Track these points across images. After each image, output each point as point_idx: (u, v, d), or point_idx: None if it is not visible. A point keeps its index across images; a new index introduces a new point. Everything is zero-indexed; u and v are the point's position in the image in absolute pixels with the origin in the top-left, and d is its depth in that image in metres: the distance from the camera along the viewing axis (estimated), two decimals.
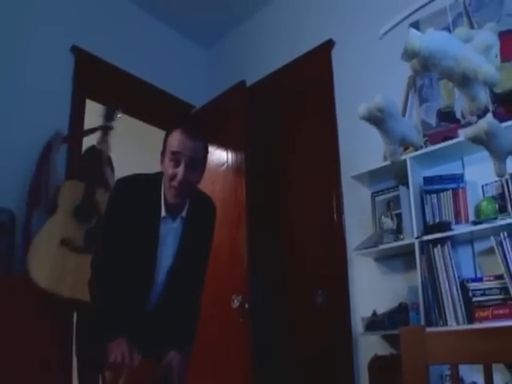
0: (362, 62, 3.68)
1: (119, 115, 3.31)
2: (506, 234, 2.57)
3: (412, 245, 2.84)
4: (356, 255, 3.28)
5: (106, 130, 3.26)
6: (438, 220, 2.89)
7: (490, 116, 1.31)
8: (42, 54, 3.69)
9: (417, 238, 2.83)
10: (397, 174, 3.10)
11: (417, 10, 1.46)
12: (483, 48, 0.96)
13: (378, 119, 1.19)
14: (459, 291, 2.66)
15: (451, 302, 2.66)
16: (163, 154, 2.21)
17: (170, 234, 2.23)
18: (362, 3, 3.81)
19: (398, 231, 3.05)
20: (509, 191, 2.69)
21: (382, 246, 3.05)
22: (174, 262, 2.26)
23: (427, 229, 2.88)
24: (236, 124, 3.89)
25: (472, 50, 0.97)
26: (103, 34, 4.16)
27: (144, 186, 2.24)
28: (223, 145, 3.98)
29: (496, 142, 1.30)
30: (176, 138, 2.14)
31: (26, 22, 3.65)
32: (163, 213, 2.18)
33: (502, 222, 2.60)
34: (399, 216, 3.05)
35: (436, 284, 2.72)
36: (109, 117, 3.27)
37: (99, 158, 3.25)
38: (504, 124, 2.58)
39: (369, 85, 3.48)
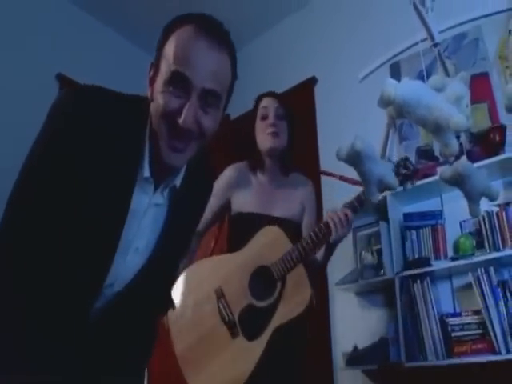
0: (344, 99, 3.76)
1: None
2: (483, 269, 2.62)
3: (392, 280, 2.89)
4: (337, 290, 3.31)
5: None
6: (417, 256, 2.95)
7: (464, 159, 1.36)
8: (26, 81, 3.73)
9: (397, 273, 2.88)
10: (377, 209, 3.15)
11: (396, 55, 1.52)
12: (454, 98, 1.01)
13: (355, 161, 1.23)
14: (438, 326, 2.70)
15: (431, 337, 2.70)
16: (156, 68, 1.25)
17: (148, 211, 1.30)
18: (344, 42, 3.91)
19: (378, 266, 3.08)
20: (486, 228, 2.76)
21: (362, 281, 3.08)
22: (150, 258, 1.34)
23: (407, 264, 2.92)
24: (220, 159, 3.93)
25: (444, 99, 1.02)
26: (86, 63, 4.20)
27: (116, 112, 1.25)
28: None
29: (470, 184, 1.34)
30: (185, 44, 1.20)
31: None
32: (146, 172, 1.25)
33: (480, 258, 2.66)
34: (380, 251, 3.09)
35: (416, 319, 2.76)
36: None
37: None
38: (480, 163, 2.67)
39: (351, 122, 3.56)
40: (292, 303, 2.10)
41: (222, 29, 1.26)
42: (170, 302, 1.98)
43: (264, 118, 2.36)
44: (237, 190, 2.38)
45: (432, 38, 1.36)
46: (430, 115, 1.01)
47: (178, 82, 1.18)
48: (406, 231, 3.04)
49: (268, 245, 2.18)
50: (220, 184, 2.34)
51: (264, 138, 2.34)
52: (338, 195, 3.14)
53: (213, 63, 1.20)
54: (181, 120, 1.17)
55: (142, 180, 1.25)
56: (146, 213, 1.30)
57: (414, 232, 3.02)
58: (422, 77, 1.25)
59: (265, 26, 4.53)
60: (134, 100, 1.30)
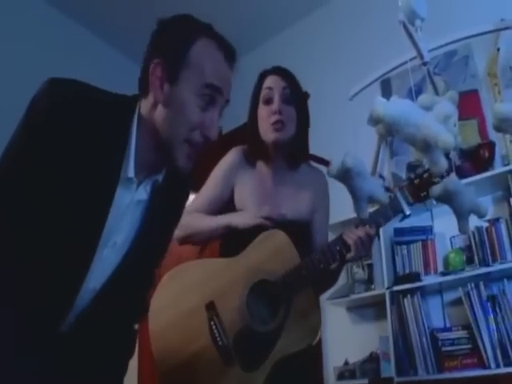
0: (335, 115, 3.78)
1: None
2: (473, 284, 2.65)
3: (383, 295, 2.90)
4: (328, 304, 3.31)
5: None
6: (408, 271, 2.96)
7: (453, 176, 1.39)
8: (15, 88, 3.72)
9: (387, 288, 2.89)
10: None
11: (386, 73, 1.54)
12: (443, 117, 1.03)
13: (346, 178, 1.25)
14: (429, 341, 2.71)
15: (421, 351, 2.71)
16: (173, 73, 1.25)
17: (129, 209, 1.28)
18: (335, 58, 3.95)
19: (369, 281, 3.10)
20: (476, 243, 2.78)
21: (353, 296, 3.09)
22: (127, 254, 1.30)
23: (397, 279, 2.94)
24: (208, 171, 3.94)
25: (433, 118, 1.04)
26: (74, 72, 4.20)
27: (100, 108, 1.23)
28: (197, 192, 4.01)
29: (458, 201, 1.36)
30: (215, 58, 1.29)
31: None
32: (130, 172, 1.23)
33: (469, 273, 2.68)
34: (371, 266, 3.10)
35: (406, 334, 2.77)
36: None
37: None
38: (470, 179, 2.70)
39: (342, 138, 3.58)
40: (298, 332, 1.73)
41: (233, 49, 1.34)
42: (146, 307, 1.64)
43: (268, 102, 1.95)
44: (240, 177, 2.01)
45: (421, 56, 1.38)
46: (419, 133, 1.03)
47: (208, 94, 1.23)
48: (396, 246, 3.06)
49: (271, 254, 1.80)
50: (222, 167, 2.04)
51: (267, 128, 1.94)
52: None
53: (231, 79, 1.32)
54: (210, 134, 1.25)
55: (125, 179, 1.23)
56: (128, 208, 1.27)
57: (404, 247, 3.04)
58: (414, 93, 1.27)
59: (257, 42, 4.55)
60: (118, 100, 1.29)
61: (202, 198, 2.03)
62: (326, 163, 1.81)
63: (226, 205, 2.00)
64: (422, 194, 1.72)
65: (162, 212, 1.38)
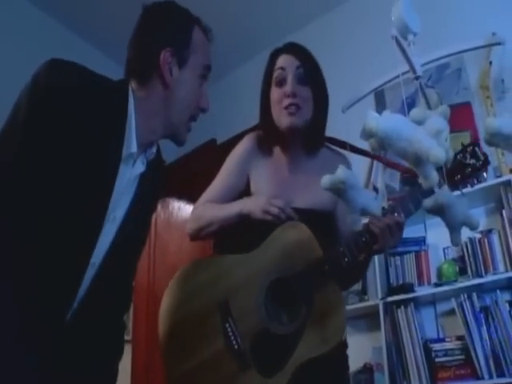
0: (329, 126, 3.79)
1: None
2: (466, 295, 2.66)
3: (376, 306, 2.91)
4: None
5: None
6: (401, 282, 2.98)
7: (445, 188, 1.40)
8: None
9: (381, 299, 2.90)
10: None
11: (378, 87, 1.56)
12: (434, 132, 1.05)
13: (339, 190, 1.26)
14: (422, 352, 2.72)
15: (415, 362, 2.71)
16: (181, 57, 1.38)
17: (128, 186, 1.33)
18: (329, 71, 3.97)
19: (362, 292, 3.11)
20: (468, 254, 2.80)
21: (347, 307, 3.09)
22: (121, 226, 1.32)
23: (391, 290, 2.95)
24: (206, 182, 3.95)
25: (424, 133, 1.06)
26: None
27: (102, 90, 1.30)
28: (192, 202, 4.02)
29: (450, 214, 1.37)
30: (205, 46, 1.46)
31: None
32: (134, 147, 1.28)
33: (463, 284, 2.70)
34: (364, 277, 3.11)
35: (400, 345, 2.78)
36: None
37: None
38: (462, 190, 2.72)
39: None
40: (321, 334, 1.56)
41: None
42: (131, 296, 1.54)
43: (280, 83, 1.80)
44: (256, 166, 1.87)
45: (414, 71, 1.40)
46: (411, 148, 1.04)
47: (207, 73, 1.43)
48: (390, 257, 3.07)
49: (290, 248, 1.63)
50: (240, 151, 1.91)
51: (280, 113, 1.78)
52: None
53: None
54: (206, 104, 1.44)
55: (127, 154, 1.28)
56: (128, 184, 1.32)
57: (398, 258, 3.06)
58: (407, 104, 1.28)
59: (250, 54, 4.57)
60: (113, 81, 1.35)
61: (215, 188, 1.89)
62: (345, 146, 1.80)
63: (243, 195, 1.86)
64: (456, 178, 1.59)
65: (151, 187, 1.44)
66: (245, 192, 1.86)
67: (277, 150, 1.89)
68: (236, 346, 1.56)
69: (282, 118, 1.77)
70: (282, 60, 1.84)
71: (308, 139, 1.82)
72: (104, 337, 1.33)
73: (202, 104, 1.43)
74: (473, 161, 1.55)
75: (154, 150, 1.42)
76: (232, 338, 1.57)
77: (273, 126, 1.82)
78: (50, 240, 1.16)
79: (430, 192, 1.39)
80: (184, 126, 1.41)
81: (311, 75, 1.82)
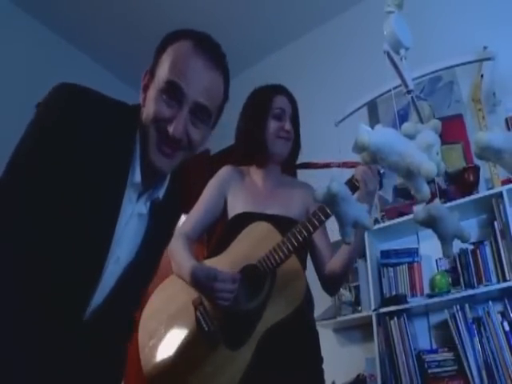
0: (321, 139, 3.80)
1: None
2: (458, 306, 2.67)
3: (369, 317, 2.91)
4: None
5: None
6: (394, 293, 2.99)
7: (437, 201, 1.41)
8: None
9: (374, 310, 2.91)
10: None
11: (370, 101, 1.58)
12: (425, 146, 1.06)
13: (332, 203, 1.27)
14: (415, 363, 2.73)
15: (408, 373, 2.72)
16: (151, 76, 1.31)
17: (130, 221, 1.28)
18: (321, 84, 4.00)
19: (356, 303, 3.12)
20: (461, 265, 2.82)
21: (340, 318, 3.10)
22: (128, 269, 1.29)
23: (384, 301, 2.96)
24: (199, 193, 3.96)
25: (416, 147, 1.07)
26: None
27: (109, 114, 1.26)
28: (185, 211, 4.02)
29: (442, 226, 1.38)
30: (183, 57, 1.28)
31: None
32: (137, 177, 1.25)
33: (455, 296, 2.71)
34: (357, 288, 3.12)
35: (393, 356, 2.78)
36: None
37: None
38: (455, 202, 2.75)
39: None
40: (282, 300, 1.76)
41: (219, 50, 1.33)
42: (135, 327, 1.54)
43: (279, 119, 2.06)
44: (232, 189, 2.06)
45: (406, 85, 1.41)
46: (402, 162, 1.06)
47: (172, 92, 1.22)
48: (382, 268, 3.09)
49: (256, 242, 1.84)
50: (215, 182, 2.09)
51: (275, 140, 2.03)
52: None
53: (207, 80, 1.26)
54: (171, 129, 1.21)
55: (131, 185, 1.24)
56: (128, 222, 1.26)
57: (390, 269, 3.07)
58: (400, 116, 1.32)
59: (244, 66, 4.59)
60: (125, 106, 1.31)
61: (193, 219, 2.04)
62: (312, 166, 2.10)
63: (219, 214, 2.05)
64: None
65: (161, 230, 1.40)
66: (222, 216, 2.06)
67: (252, 168, 2.13)
68: (206, 328, 1.75)
69: (278, 146, 2.05)
70: (280, 101, 2.09)
71: (287, 163, 2.14)
72: (103, 371, 1.31)
73: (167, 125, 1.23)
74: None
75: (161, 194, 1.35)
76: (202, 322, 1.76)
77: (264, 146, 2.04)
78: (50, 276, 1.12)
79: None
80: (153, 146, 1.24)
81: (295, 118, 2.13)
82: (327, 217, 1.74)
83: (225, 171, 2.11)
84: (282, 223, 1.88)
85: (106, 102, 1.26)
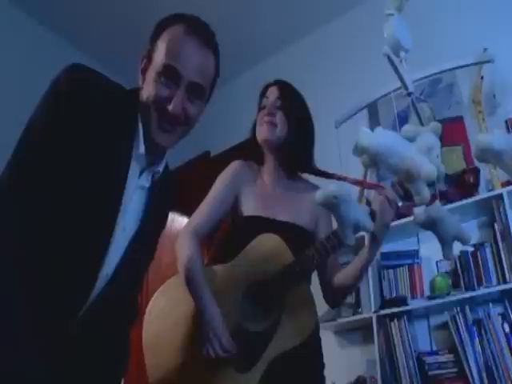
0: (322, 141, 3.80)
1: None
2: (458, 308, 2.67)
3: (370, 319, 2.91)
4: None
5: None
6: (394, 294, 2.98)
7: (437, 203, 1.42)
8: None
9: (374, 312, 2.90)
10: (355, 248, 3.19)
11: (371, 103, 1.58)
12: (425, 149, 1.07)
13: (332, 205, 1.27)
14: (416, 365, 2.72)
15: (408, 375, 2.72)
16: (148, 60, 1.40)
17: (135, 192, 1.36)
18: (321, 87, 4.00)
19: (356, 305, 3.12)
20: (461, 267, 2.82)
21: (340, 320, 3.10)
22: (134, 240, 1.35)
23: (384, 303, 2.96)
24: (199, 194, 3.96)
25: (416, 149, 1.08)
26: None
27: (114, 94, 1.36)
28: (186, 214, 4.03)
29: (442, 228, 1.39)
30: (176, 41, 1.37)
31: None
32: (141, 148, 1.34)
33: (455, 297, 2.71)
34: (358, 290, 3.12)
35: (393, 358, 2.78)
36: None
37: None
38: (455, 204, 2.75)
39: (329, 164, 3.61)
40: (291, 330, 1.70)
41: (209, 30, 1.43)
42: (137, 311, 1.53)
43: (262, 108, 2.05)
44: (244, 186, 2.00)
45: (406, 87, 1.42)
46: (402, 164, 1.06)
47: (169, 74, 1.32)
48: (383, 270, 3.08)
49: (265, 257, 1.78)
50: (227, 175, 2.02)
51: (259, 128, 2.01)
52: None
53: (200, 60, 1.37)
54: (170, 107, 1.31)
55: (136, 158, 1.33)
56: (132, 195, 1.34)
57: (391, 271, 3.07)
58: (400, 118, 1.32)
59: (245, 67, 4.60)
60: (125, 89, 1.40)
61: (203, 213, 1.96)
62: (328, 176, 1.97)
63: (228, 212, 2.00)
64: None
65: (159, 205, 1.47)
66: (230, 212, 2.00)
67: (262, 168, 2.08)
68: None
69: (261, 132, 2.00)
70: (269, 92, 2.08)
71: (285, 157, 2.02)
72: (110, 347, 1.36)
73: (167, 105, 1.33)
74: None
75: (161, 168, 1.43)
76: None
77: (256, 144, 2.04)
78: (62, 244, 1.18)
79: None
80: (154, 123, 1.34)
81: (286, 104, 2.02)
82: (341, 245, 1.67)
83: (237, 166, 2.05)
84: (291, 232, 1.87)
85: (111, 84, 1.36)
